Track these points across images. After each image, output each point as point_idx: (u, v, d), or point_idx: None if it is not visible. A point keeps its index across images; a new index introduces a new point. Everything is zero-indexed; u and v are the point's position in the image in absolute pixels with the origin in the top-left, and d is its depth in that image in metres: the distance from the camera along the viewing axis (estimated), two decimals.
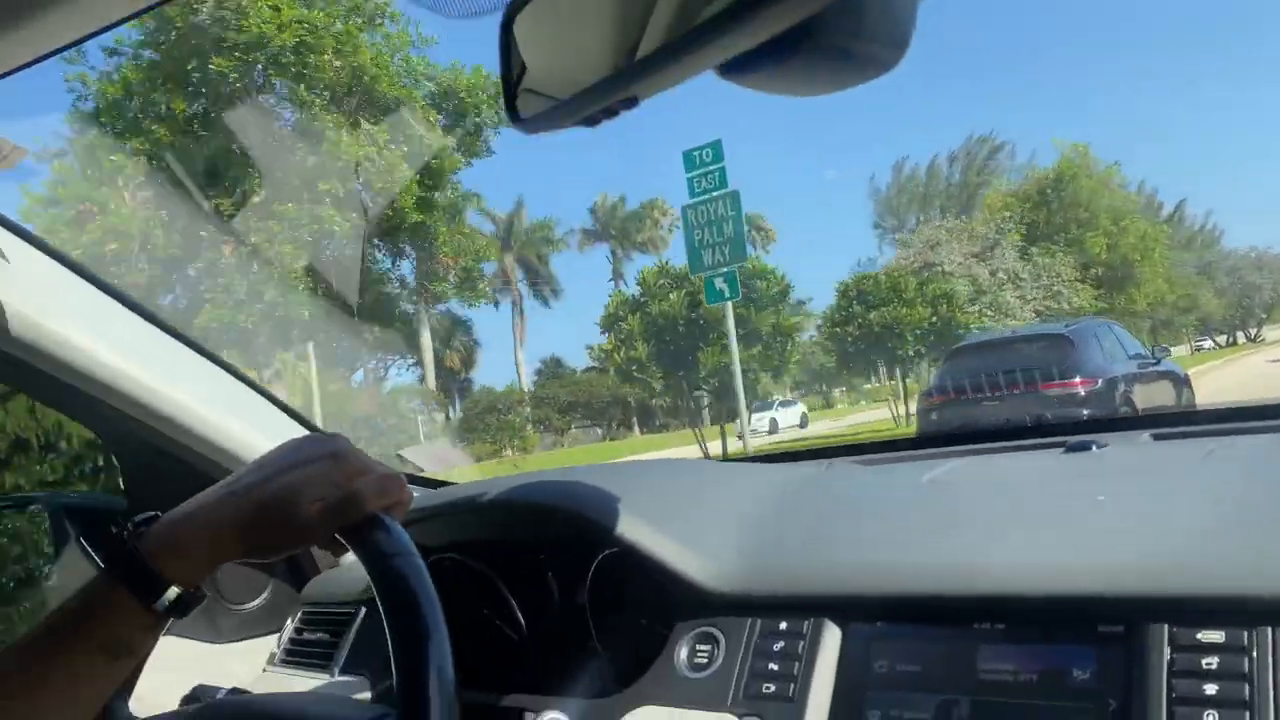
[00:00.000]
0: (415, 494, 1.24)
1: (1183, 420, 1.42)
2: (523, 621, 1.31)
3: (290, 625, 1.51)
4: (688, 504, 1.22)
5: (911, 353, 24.64)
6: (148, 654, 0.74)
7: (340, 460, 0.73)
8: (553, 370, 42.80)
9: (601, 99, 0.62)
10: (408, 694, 0.63)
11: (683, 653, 1.02)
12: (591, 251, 48.85)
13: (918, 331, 24.02)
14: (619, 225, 47.15)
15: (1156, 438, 1.32)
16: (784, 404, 33.54)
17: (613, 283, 47.13)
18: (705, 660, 1.00)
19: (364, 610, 1.40)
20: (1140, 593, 0.79)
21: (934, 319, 24.29)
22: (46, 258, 1.21)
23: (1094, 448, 1.22)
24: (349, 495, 0.71)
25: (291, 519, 0.70)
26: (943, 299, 24.77)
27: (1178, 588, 0.77)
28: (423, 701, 0.62)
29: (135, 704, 1.26)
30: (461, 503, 1.34)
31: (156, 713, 1.08)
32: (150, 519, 0.72)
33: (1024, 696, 0.81)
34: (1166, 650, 0.75)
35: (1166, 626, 0.76)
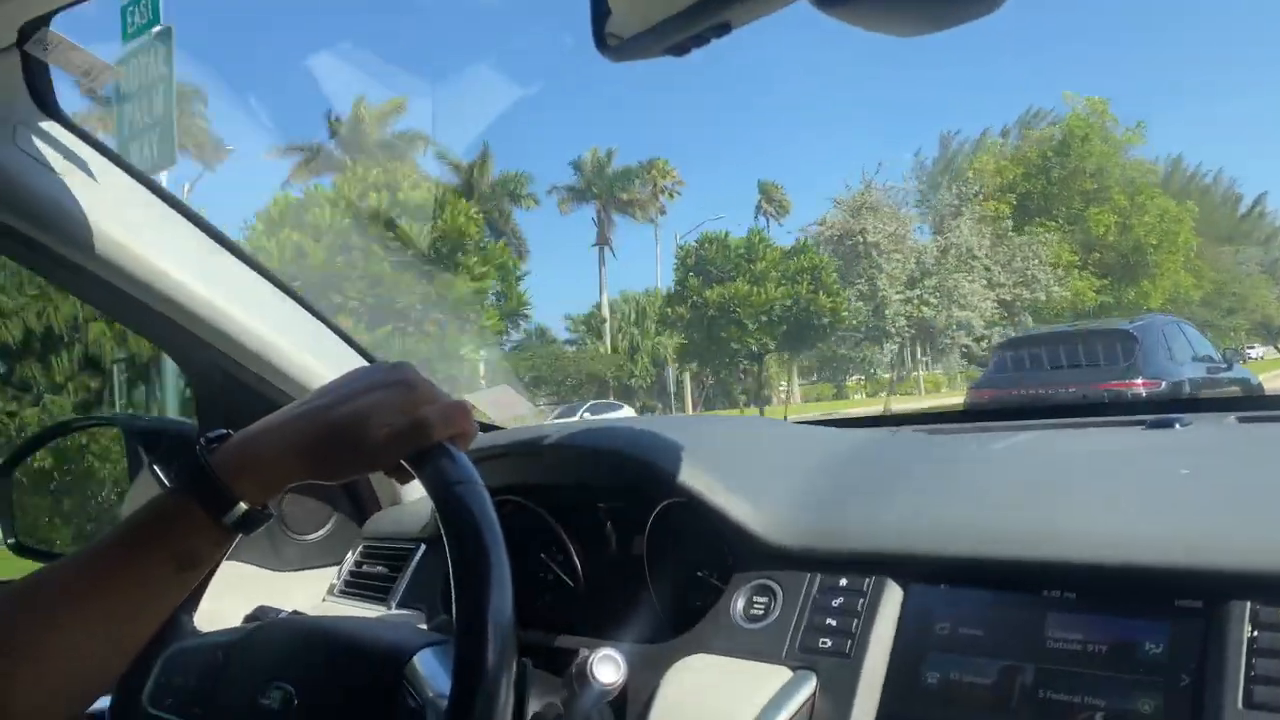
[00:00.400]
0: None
1: (1270, 404, 1.37)
2: (579, 567, 1.32)
3: (351, 558, 1.54)
4: (752, 458, 1.20)
5: (755, 346, 18.58)
6: (214, 568, 0.75)
7: (408, 388, 0.73)
8: (537, 340, 39.26)
9: (692, 25, 0.60)
10: (465, 618, 0.63)
11: (739, 604, 1.01)
12: (576, 212, 44.64)
13: (764, 319, 17.91)
14: (605, 183, 42.53)
15: (1242, 420, 1.27)
16: (601, 406, 25.79)
17: (596, 248, 43.95)
18: (761, 612, 0.99)
19: (423, 547, 1.42)
20: (1223, 568, 0.76)
21: (790, 304, 17.97)
22: (132, 180, 1.23)
23: (1177, 425, 1.17)
24: (416, 422, 0.71)
25: (359, 443, 0.71)
26: (805, 274, 18.49)
27: (1263, 564, 0.74)
28: (479, 626, 0.62)
29: (199, 619, 1.29)
30: (525, 444, 1.34)
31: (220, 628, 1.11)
32: (222, 436, 0.73)
33: (1092, 667, 0.78)
34: (1247, 627, 0.72)
35: (1249, 603, 0.73)
